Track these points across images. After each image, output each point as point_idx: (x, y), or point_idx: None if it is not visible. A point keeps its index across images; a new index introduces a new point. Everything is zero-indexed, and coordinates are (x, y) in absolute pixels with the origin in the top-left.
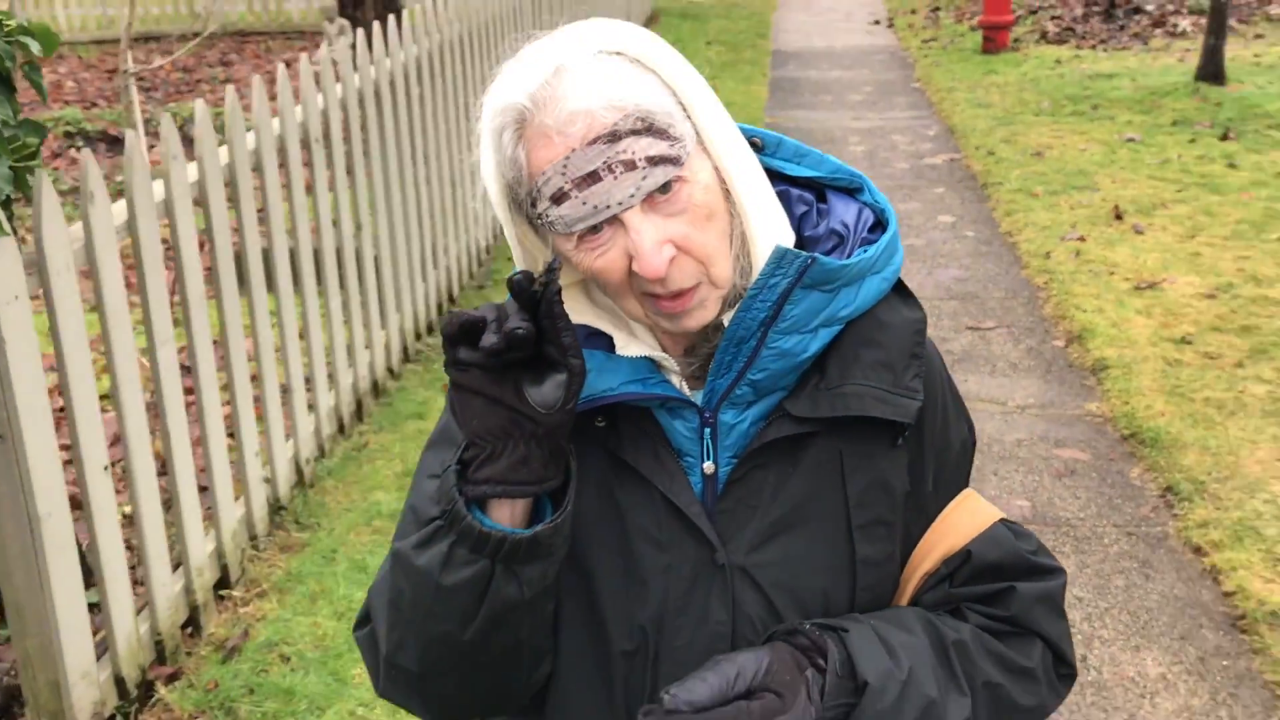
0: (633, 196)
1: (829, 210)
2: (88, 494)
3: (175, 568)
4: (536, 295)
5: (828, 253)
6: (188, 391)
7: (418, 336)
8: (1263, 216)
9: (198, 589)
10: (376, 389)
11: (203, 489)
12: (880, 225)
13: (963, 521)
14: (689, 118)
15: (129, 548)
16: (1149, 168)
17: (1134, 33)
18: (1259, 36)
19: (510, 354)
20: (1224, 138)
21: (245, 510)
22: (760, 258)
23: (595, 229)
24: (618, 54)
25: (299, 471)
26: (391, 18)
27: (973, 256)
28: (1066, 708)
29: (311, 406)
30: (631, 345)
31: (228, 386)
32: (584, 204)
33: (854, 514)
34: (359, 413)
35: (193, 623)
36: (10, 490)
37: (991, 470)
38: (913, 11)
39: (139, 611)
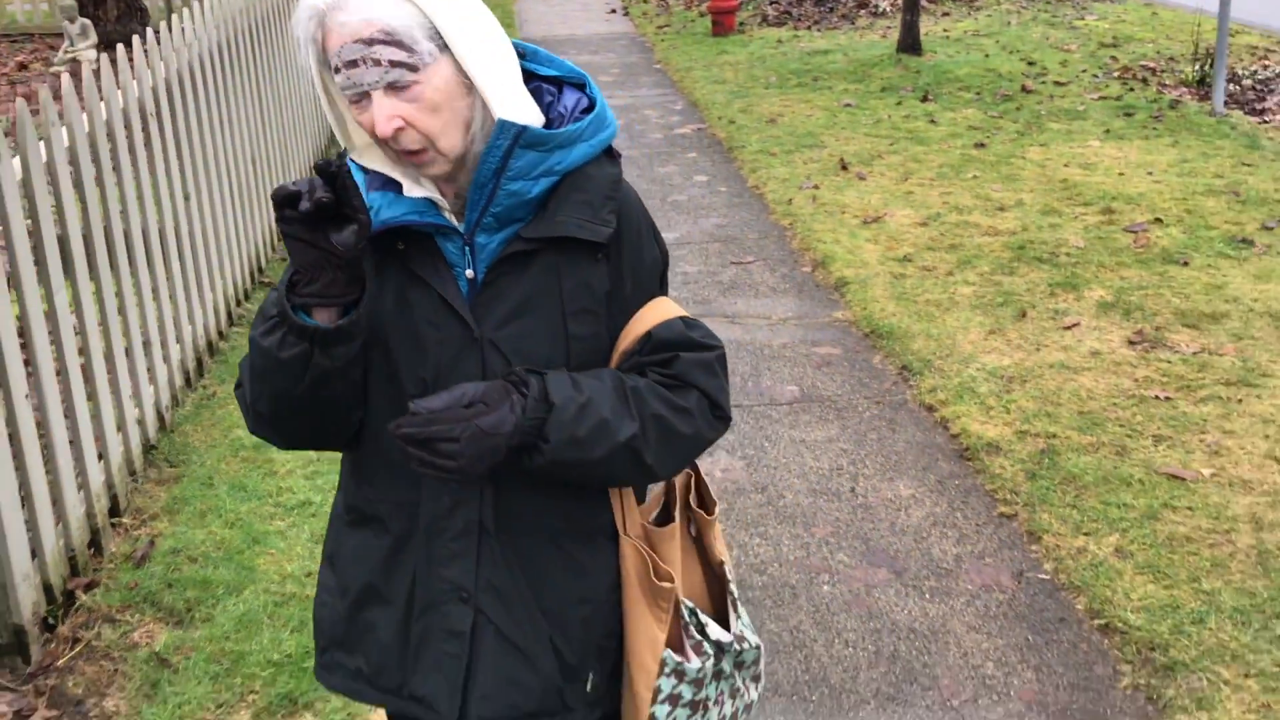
0: (376, 83)
1: (560, 98)
2: (16, 427)
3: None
4: (334, 172)
5: (556, 126)
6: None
7: (238, 303)
8: (960, 161)
9: (98, 512)
10: (211, 349)
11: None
12: (593, 109)
13: (652, 315)
14: (438, 38)
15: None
16: (865, 127)
17: (842, 14)
18: (946, 14)
19: (318, 214)
20: (924, 99)
21: (124, 447)
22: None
23: (360, 98)
24: None
25: (160, 417)
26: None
27: (728, 207)
28: (845, 520)
29: (165, 359)
30: (416, 190)
31: (84, 350)
32: (349, 80)
33: (566, 304)
34: (199, 369)
35: (95, 545)
36: None
37: (765, 367)
38: (644, 0)
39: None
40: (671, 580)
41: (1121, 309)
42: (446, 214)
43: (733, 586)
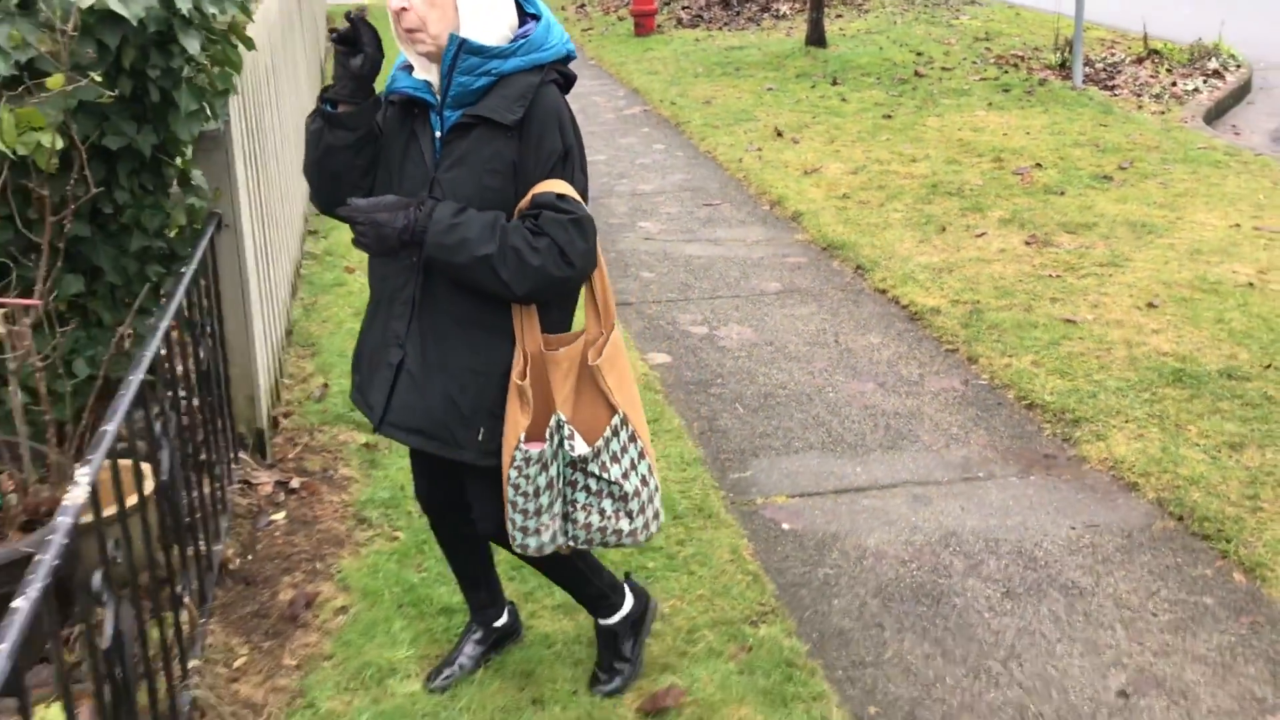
0: None
1: (530, 27)
2: (248, 304)
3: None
4: (353, 21)
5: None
6: None
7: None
8: (873, 128)
9: (274, 369)
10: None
11: None
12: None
13: (542, 186)
14: None
15: None
16: (788, 105)
17: (748, 17)
18: (839, 16)
19: (341, 40)
20: (834, 83)
21: (279, 326)
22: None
23: None
24: None
25: (287, 312)
26: None
27: (689, 167)
28: (834, 358)
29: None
30: (420, 75)
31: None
32: None
33: (484, 164)
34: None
35: (275, 393)
36: (232, 265)
37: (750, 272)
38: (563, 8)
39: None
40: (524, 379)
41: (1017, 223)
42: (434, 93)
43: (623, 438)
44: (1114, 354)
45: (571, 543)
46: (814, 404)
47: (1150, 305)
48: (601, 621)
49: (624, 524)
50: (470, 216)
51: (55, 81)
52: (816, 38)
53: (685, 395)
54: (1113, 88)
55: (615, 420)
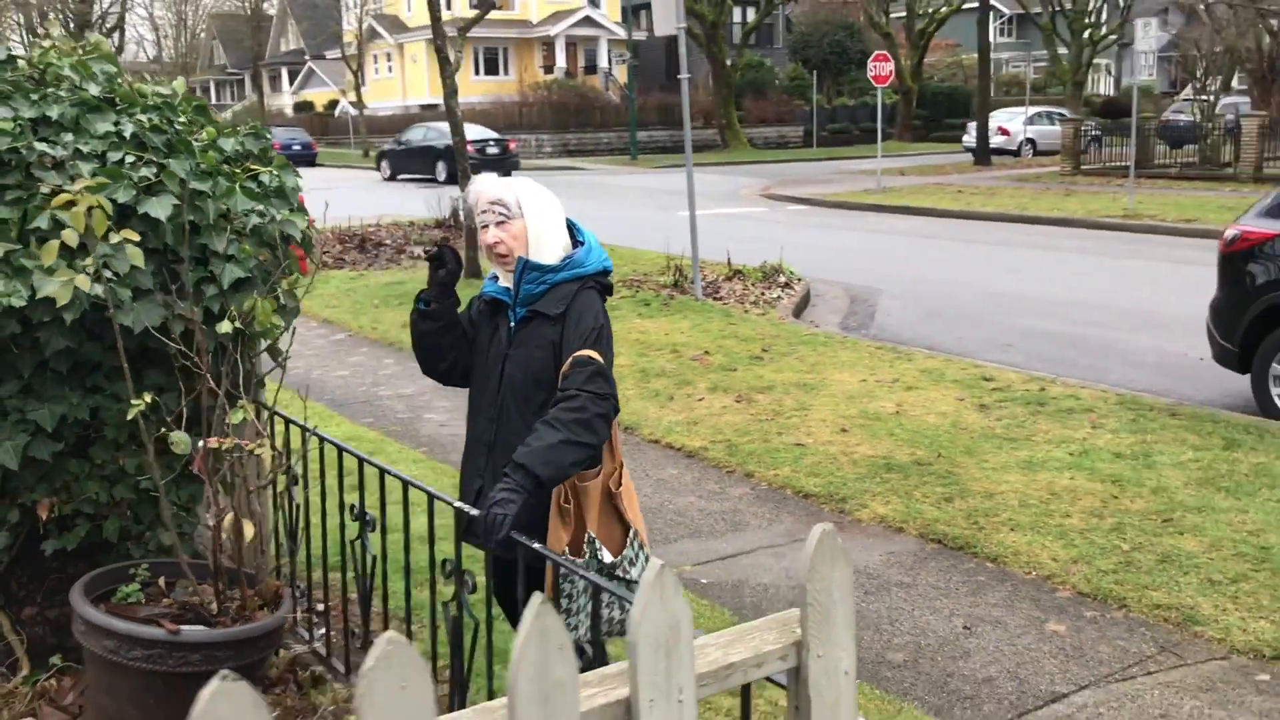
0: (490, 222)
1: (575, 248)
2: None
3: None
4: (439, 245)
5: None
6: None
7: None
8: None
9: None
10: None
11: None
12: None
13: (576, 356)
14: (519, 205)
15: None
16: None
17: (387, 258)
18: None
19: (429, 260)
20: None
21: None
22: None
23: (485, 227)
24: (504, 181)
25: None
26: None
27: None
28: (653, 486)
29: None
30: (502, 282)
31: None
32: (482, 219)
33: (535, 343)
34: None
35: None
36: None
37: None
38: None
39: None
40: (568, 504)
41: (721, 389)
42: (510, 296)
43: (634, 548)
44: (840, 460)
45: (606, 634)
46: (664, 511)
47: (843, 430)
48: None
49: (606, 617)
50: (535, 447)
51: None
52: (472, 271)
53: None
54: (721, 298)
55: (631, 534)
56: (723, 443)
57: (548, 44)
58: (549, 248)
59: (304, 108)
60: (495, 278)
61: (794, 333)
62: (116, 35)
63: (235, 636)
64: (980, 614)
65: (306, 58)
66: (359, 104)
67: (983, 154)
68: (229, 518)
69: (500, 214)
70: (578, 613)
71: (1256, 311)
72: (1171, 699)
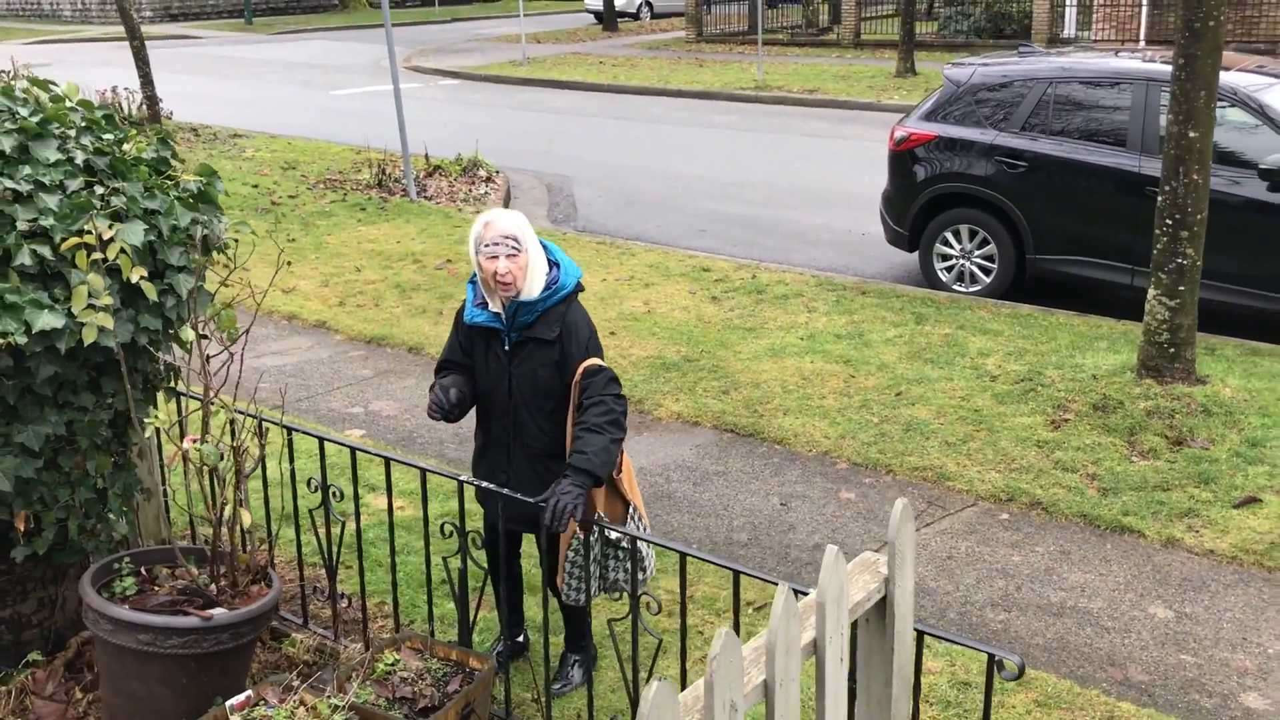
0: (501, 254)
1: (552, 271)
2: None
3: None
4: (449, 399)
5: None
6: None
7: None
8: (293, 252)
9: None
10: None
11: None
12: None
13: (585, 364)
14: (524, 240)
15: None
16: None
17: None
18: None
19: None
20: None
21: None
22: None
23: (494, 257)
24: (515, 218)
25: None
26: None
27: None
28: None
29: None
30: (493, 308)
31: None
32: (493, 250)
33: (538, 363)
34: None
35: None
36: None
37: (338, 372)
38: None
39: None
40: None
41: None
42: (502, 323)
43: (635, 523)
44: (621, 364)
45: (607, 591)
46: None
47: (613, 333)
48: (571, 655)
49: (639, 575)
50: (590, 453)
51: None
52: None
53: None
54: (430, 197)
55: (630, 509)
56: None
57: None
58: (539, 273)
59: None
60: (481, 304)
61: None
62: None
63: (254, 613)
64: (788, 490)
65: None
66: None
67: (610, 19)
68: (228, 508)
69: (512, 248)
70: (579, 578)
71: (923, 201)
72: (950, 543)
